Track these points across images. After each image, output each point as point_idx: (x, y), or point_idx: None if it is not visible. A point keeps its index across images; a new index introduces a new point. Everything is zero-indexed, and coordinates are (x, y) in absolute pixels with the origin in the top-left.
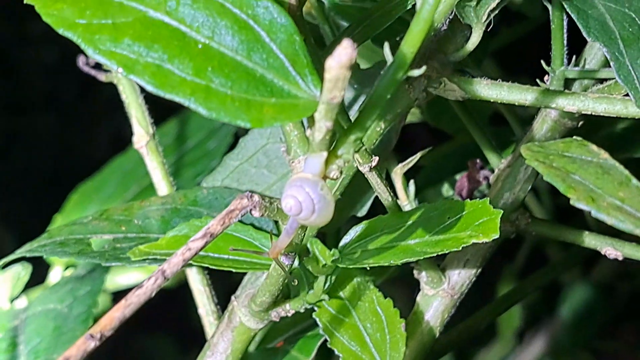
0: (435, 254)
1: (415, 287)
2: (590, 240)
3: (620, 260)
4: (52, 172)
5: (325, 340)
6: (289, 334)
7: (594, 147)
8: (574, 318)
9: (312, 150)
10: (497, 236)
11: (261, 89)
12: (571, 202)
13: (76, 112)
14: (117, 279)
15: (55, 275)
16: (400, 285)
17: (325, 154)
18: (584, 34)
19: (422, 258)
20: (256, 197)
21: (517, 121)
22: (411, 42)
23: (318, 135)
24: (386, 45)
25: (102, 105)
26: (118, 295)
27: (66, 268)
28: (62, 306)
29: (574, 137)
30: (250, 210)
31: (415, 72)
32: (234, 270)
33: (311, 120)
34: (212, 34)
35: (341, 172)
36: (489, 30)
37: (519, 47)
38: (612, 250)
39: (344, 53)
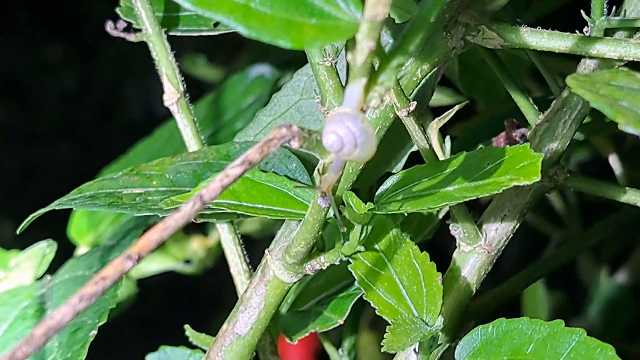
0: (475, 197)
1: (449, 250)
2: (630, 196)
3: None
4: None
5: (358, 300)
6: (322, 296)
7: None
8: (602, 320)
9: (353, 77)
10: (538, 179)
11: (301, 10)
12: (619, 126)
13: (95, 139)
14: (142, 265)
15: None
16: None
17: (364, 80)
18: None
19: (461, 202)
20: (295, 127)
21: (553, 79)
22: None
23: (360, 58)
24: None
25: (121, 130)
26: (142, 281)
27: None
28: (91, 272)
29: (620, 67)
30: (289, 140)
31: None
32: (269, 218)
33: (352, 44)
34: None
35: (382, 101)
36: None
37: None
38: None
39: None
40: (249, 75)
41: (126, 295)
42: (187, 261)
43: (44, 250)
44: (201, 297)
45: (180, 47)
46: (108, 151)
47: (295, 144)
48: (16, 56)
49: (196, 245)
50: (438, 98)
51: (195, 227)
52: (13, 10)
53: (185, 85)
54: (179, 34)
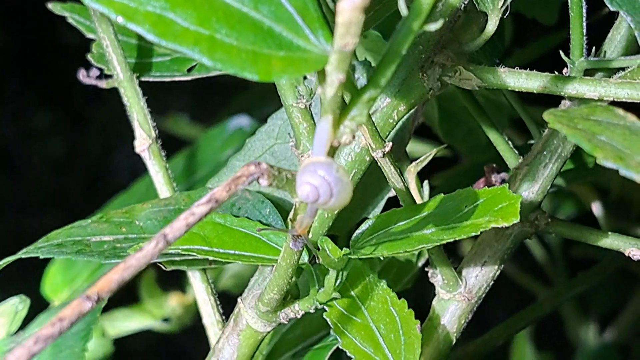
0: (452, 240)
1: (428, 300)
2: (613, 241)
3: (636, 319)
4: None
5: (334, 352)
6: (298, 348)
7: (620, 111)
8: None
9: (324, 111)
10: (517, 220)
11: (269, 42)
12: (598, 161)
13: (84, 206)
14: (119, 324)
15: None
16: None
17: (330, 116)
18: (607, 2)
19: (438, 245)
20: (264, 165)
21: (534, 123)
22: None
23: (330, 91)
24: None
25: (110, 197)
26: (118, 341)
27: None
28: None
29: (598, 103)
30: (258, 177)
31: (432, 27)
32: (241, 263)
33: (322, 77)
34: None
35: (354, 137)
36: (505, 16)
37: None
38: (636, 251)
39: None
40: (228, 128)
41: (102, 355)
42: (165, 319)
43: (17, 306)
44: (180, 356)
45: (163, 106)
46: None
47: (264, 182)
48: (4, 125)
49: (174, 302)
50: (418, 149)
51: (173, 284)
52: (1, 78)
53: (161, 141)
54: (151, 79)
